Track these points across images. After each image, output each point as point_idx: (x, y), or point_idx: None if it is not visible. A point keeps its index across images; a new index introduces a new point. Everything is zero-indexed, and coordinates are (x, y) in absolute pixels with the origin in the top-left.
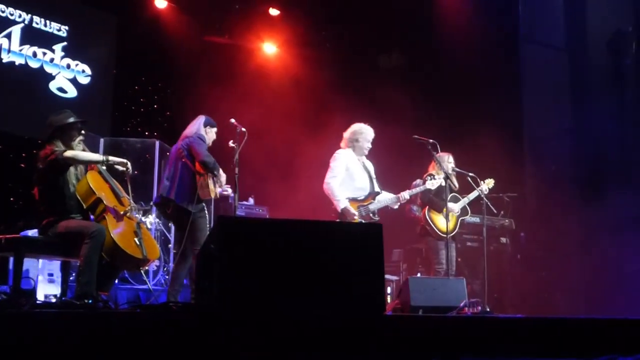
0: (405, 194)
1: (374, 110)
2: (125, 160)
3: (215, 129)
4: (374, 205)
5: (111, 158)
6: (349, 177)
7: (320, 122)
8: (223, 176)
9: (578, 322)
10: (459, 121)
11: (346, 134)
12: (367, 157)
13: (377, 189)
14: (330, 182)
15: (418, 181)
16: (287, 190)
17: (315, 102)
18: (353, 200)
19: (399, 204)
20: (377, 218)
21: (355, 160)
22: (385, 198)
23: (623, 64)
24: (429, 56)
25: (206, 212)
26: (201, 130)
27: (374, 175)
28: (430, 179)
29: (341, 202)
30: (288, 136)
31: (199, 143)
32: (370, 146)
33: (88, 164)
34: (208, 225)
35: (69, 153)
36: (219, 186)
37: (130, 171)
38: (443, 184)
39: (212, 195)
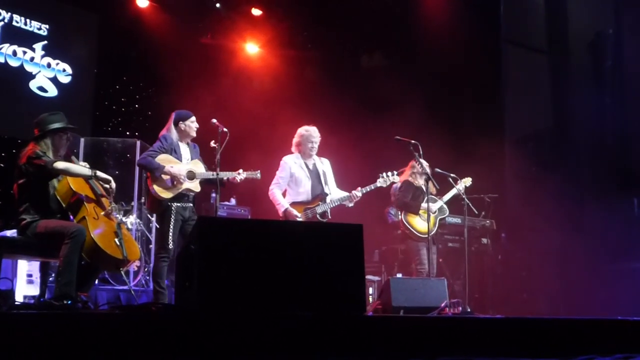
0: (357, 192)
1: (356, 111)
2: (109, 178)
3: (190, 119)
4: (320, 208)
5: (98, 173)
6: (293, 182)
7: (302, 122)
8: (181, 168)
9: (557, 323)
10: (440, 122)
11: (294, 139)
12: (319, 155)
13: (326, 190)
14: (272, 188)
15: (396, 186)
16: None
17: (297, 102)
18: (299, 203)
19: (352, 202)
20: (325, 220)
21: (300, 164)
22: (337, 197)
23: (603, 65)
24: (410, 57)
25: (169, 214)
26: (168, 131)
27: (328, 176)
28: (381, 177)
29: (281, 205)
30: (270, 136)
31: (151, 147)
32: (314, 147)
33: (77, 177)
34: (170, 227)
35: (60, 165)
36: (180, 179)
37: (114, 190)
38: (395, 180)
39: (164, 195)
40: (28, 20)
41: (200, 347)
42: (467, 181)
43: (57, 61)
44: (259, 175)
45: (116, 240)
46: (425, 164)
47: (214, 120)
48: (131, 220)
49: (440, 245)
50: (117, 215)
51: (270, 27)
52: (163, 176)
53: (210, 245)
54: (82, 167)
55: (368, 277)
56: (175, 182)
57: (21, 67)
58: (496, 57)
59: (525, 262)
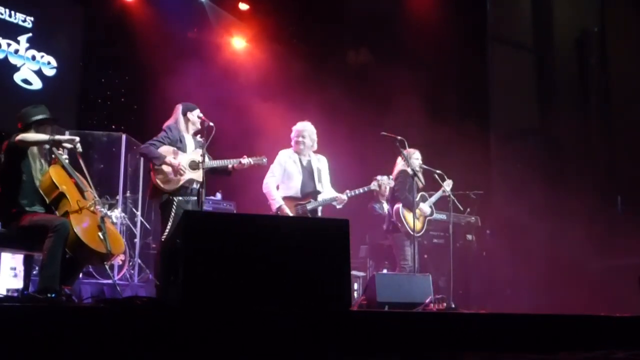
0: (343, 196)
1: (341, 107)
2: (72, 137)
3: (195, 112)
4: (311, 205)
5: (57, 137)
6: (286, 176)
7: (288, 117)
8: (183, 158)
9: (541, 319)
10: (425, 118)
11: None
12: (317, 153)
13: (319, 188)
14: (267, 182)
15: (384, 178)
16: (255, 186)
17: (284, 97)
18: (291, 198)
19: (340, 204)
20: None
21: (294, 159)
22: (326, 197)
23: (589, 63)
24: (396, 53)
25: (170, 208)
26: (175, 122)
27: (323, 173)
28: (375, 181)
29: (276, 201)
30: (256, 131)
31: (155, 137)
32: (304, 141)
33: (37, 145)
34: (169, 221)
35: (19, 136)
36: (181, 170)
37: (80, 149)
38: (392, 184)
39: (166, 187)
40: (13, 12)
41: (184, 340)
42: (449, 184)
43: (42, 54)
44: (264, 160)
45: (100, 234)
46: (414, 154)
47: (200, 114)
48: (116, 214)
49: (425, 242)
50: (101, 209)
51: (257, 22)
52: (164, 167)
53: (196, 239)
54: (39, 134)
55: (353, 272)
56: (177, 174)
57: (5, 59)
58: (482, 54)
59: (509, 259)
